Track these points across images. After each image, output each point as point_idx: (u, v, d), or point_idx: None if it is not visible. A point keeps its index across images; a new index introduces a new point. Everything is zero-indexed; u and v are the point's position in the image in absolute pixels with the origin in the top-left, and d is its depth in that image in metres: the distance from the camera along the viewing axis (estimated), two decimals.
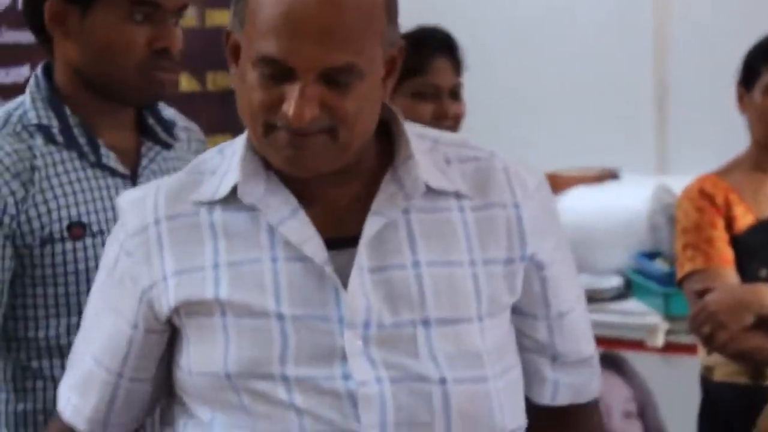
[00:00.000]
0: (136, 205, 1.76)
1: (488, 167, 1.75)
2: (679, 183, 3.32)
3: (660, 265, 3.96)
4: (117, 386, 1.78)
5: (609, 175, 4.48)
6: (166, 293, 1.70)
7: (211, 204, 1.72)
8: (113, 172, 2.18)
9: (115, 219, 2.12)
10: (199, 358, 1.70)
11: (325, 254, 1.66)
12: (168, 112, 2.32)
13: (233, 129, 4.63)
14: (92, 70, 2.15)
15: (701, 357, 3.11)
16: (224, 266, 1.68)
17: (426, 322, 1.67)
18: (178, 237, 1.71)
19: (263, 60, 1.61)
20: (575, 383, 1.83)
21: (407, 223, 1.70)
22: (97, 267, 2.09)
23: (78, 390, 1.81)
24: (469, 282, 1.70)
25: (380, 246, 1.68)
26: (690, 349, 3.51)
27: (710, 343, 2.91)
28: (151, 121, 2.25)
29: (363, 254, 1.67)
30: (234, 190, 1.70)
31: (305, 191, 1.70)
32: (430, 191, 1.71)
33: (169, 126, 2.27)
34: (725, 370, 3.03)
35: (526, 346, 1.80)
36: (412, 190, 1.70)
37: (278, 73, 1.61)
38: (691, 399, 3.14)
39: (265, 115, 1.62)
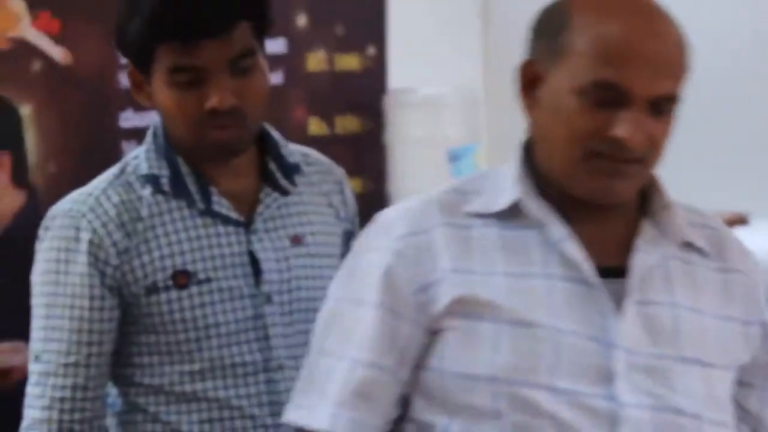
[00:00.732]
0: (404, 214, 1.80)
1: (721, 236, 1.84)
2: None
3: None
4: (392, 388, 1.76)
5: (739, 220, 4.40)
6: (442, 290, 1.73)
7: (484, 218, 1.76)
8: (226, 220, 2.17)
9: (224, 267, 2.16)
10: (461, 359, 1.72)
11: (598, 278, 1.72)
12: (296, 155, 2.28)
13: (361, 172, 4.71)
14: (170, 132, 2.17)
15: None
16: (499, 275, 1.72)
17: (683, 360, 1.73)
18: (454, 242, 1.75)
19: (599, 85, 1.66)
20: None
21: (666, 266, 1.77)
22: (204, 315, 2.13)
23: (351, 402, 1.75)
24: (715, 332, 1.77)
25: (644, 281, 1.74)
26: None
27: None
28: (272, 166, 2.24)
29: (634, 286, 1.72)
30: (509, 207, 1.75)
31: (573, 219, 1.75)
32: (683, 242, 1.79)
33: (290, 171, 2.25)
34: None
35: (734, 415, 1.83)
36: (673, 237, 1.78)
37: (610, 99, 1.67)
38: None
39: (587, 140, 1.68)
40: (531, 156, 1.79)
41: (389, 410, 1.76)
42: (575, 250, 1.72)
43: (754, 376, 1.83)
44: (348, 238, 2.34)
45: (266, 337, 2.18)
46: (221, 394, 2.16)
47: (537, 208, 1.74)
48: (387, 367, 1.74)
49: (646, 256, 1.75)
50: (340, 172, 2.37)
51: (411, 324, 1.74)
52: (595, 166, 1.69)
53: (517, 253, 1.74)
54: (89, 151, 3.95)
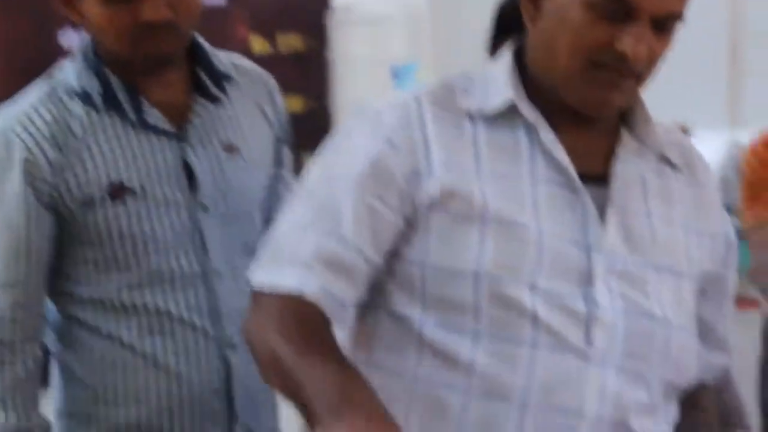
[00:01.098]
0: (397, 105, 1.79)
1: (689, 151, 1.87)
2: (753, 137, 3.29)
3: (730, 220, 3.92)
4: (362, 268, 1.74)
5: (680, 131, 4.44)
6: (432, 183, 1.73)
7: (473, 117, 1.77)
8: (158, 131, 2.17)
9: (159, 178, 2.15)
10: (446, 254, 1.72)
11: (580, 183, 1.75)
12: (226, 64, 2.27)
13: (304, 90, 4.69)
14: (100, 48, 2.15)
15: (761, 310, 3.10)
16: (487, 175, 1.74)
17: (656, 268, 1.76)
18: (446, 136, 1.76)
19: None
20: (715, 365, 1.89)
21: (642, 177, 1.80)
22: (140, 226, 2.13)
23: (322, 271, 1.72)
24: (684, 244, 1.81)
25: (624, 190, 1.77)
26: (754, 304, 3.48)
27: None
28: (203, 75, 2.23)
29: (615, 193, 1.76)
30: (505, 108, 1.77)
31: (558, 126, 1.77)
32: (660, 156, 1.82)
33: (221, 79, 2.24)
34: None
35: None
36: (651, 150, 1.81)
37: (617, 13, 1.68)
38: (755, 354, 3.12)
39: (591, 52, 1.70)
40: (520, 63, 1.80)
41: (358, 291, 1.75)
42: (563, 155, 1.75)
43: (711, 286, 1.86)
44: (279, 145, 2.35)
45: (203, 247, 2.19)
46: (160, 304, 2.17)
47: (529, 110, 1.77)
48: (361, 248, 1.73)
49: (627, 165, 1.79)
50: (270, 80, 2.36)
51: (394, 212, 1.74)
52: (595, 78, 1.70)
53: (505, 154, 1.75)
54: (28, 70, 3.90)
